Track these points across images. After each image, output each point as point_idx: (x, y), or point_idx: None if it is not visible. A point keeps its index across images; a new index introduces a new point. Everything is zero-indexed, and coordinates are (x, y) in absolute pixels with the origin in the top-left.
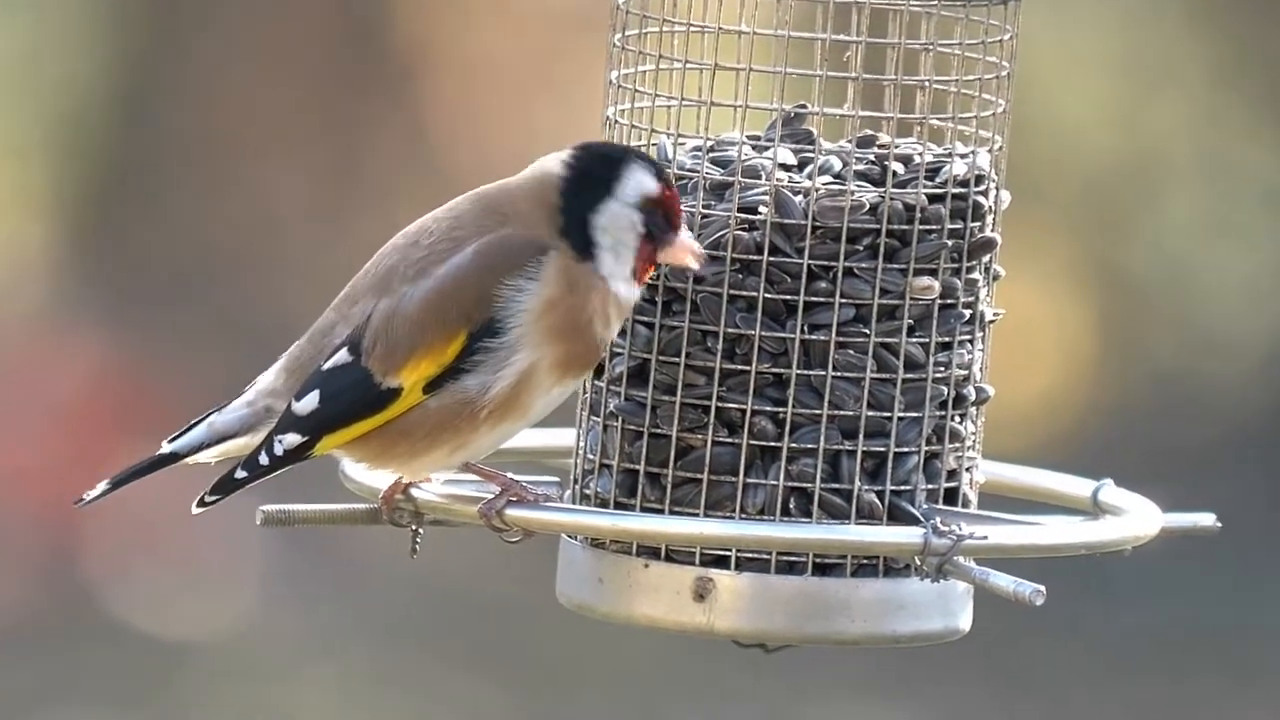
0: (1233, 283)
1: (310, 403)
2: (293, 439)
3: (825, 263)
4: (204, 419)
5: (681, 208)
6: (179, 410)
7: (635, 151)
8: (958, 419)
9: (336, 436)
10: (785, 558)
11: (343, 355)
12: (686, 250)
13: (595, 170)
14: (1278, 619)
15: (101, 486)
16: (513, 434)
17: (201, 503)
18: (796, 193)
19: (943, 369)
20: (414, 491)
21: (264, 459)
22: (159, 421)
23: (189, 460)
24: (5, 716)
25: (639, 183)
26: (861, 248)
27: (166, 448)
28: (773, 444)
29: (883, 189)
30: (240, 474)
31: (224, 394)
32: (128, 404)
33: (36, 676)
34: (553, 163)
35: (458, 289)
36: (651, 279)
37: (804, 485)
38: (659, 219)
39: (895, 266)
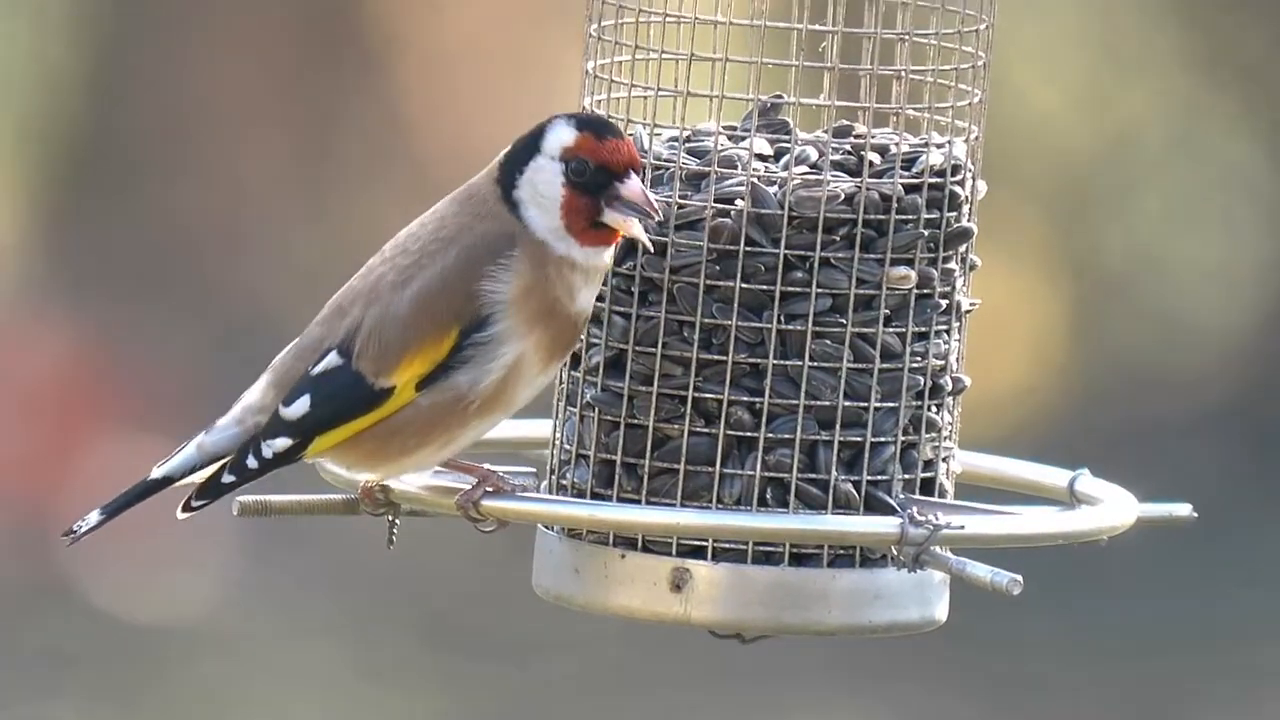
0: (1203, 270)
1: (301, 406)
2: (283, 442)
3: (802, 253)
4: (192, 440)
5: (620, 156)
6: (148, 396)
7: (572, 113)
8: (934, 409)
9: (329, 437)
10: (762, 548)
11: (332, 359)
12: (637, 196)
13: (527, 137)
14: (1244, 602)
15: (94, 518)
16: (496, 424)
17: (187, 507)
18: (772, 183)
19: (919, 359)
20: (391, 482)
21: (252, 463)
22: (129, 407)
23: (181, 483)
24: None
25: (558, 135)
26: (838, 238)
27: (157, 472)
28: (749, 434)
29: (859, 179)
30: (227, 478)
31: (192, 379)
32: (97, 389)
33: (8, 661)
34: (501, 155)
35: (446, 287)
36: (628, 270)
37: (781, 475)
38: (588, 169)
39: (872, 256)
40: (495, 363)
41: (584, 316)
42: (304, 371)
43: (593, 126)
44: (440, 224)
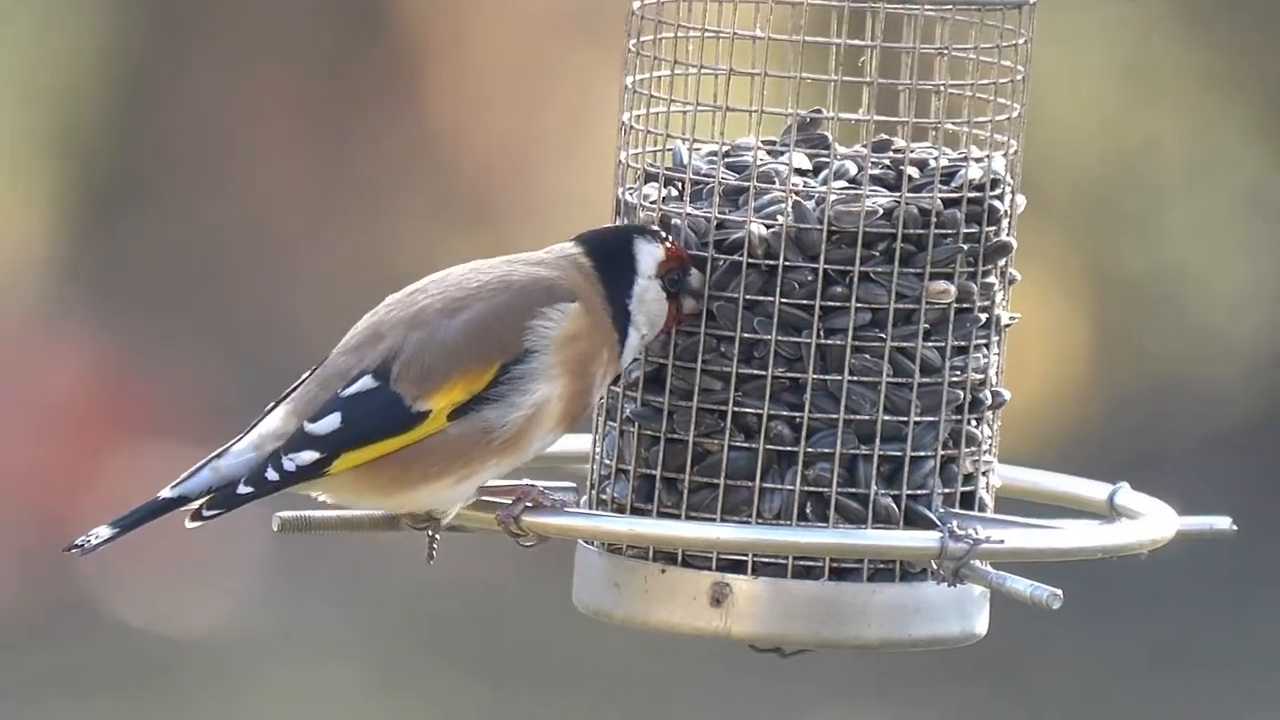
0: (1227, 285)
1: (330, 423)
2: (308, 455)
3: (841, 267)
4: (207, 463)
5: (687, 251)
6: (172, 411)
7: (629, 227)
8: (974, 423)
9: (355, 455)
10: (801, 562)
11: (367, 381)
12: (700, 280)
13: (613, 258)
14: (1273, 616)
15: (104, 532)
16: (506, 471)
17: (198, 516)
18: (811, 198)
19: (959, 373)
20: None
21: (272, 475)
22: (153, 422)
23: (194, 504)
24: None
25: (649, 253)
26: (877, 252)
27: (171, 492)
28: (789, 448)
29: (898, 193)
30: (244, 489)
31: (216, 394)
32: (121, 403)
33: (33, 675)
34: (578, 255)
35: (499, 320)
36: None
37: (820, 490)
38: (676, 273)
39: (911, 271)
40: (525, 399)
41: (594, 402)
42: (332, 394)
43: (660, 235)
44: (509, 271)
